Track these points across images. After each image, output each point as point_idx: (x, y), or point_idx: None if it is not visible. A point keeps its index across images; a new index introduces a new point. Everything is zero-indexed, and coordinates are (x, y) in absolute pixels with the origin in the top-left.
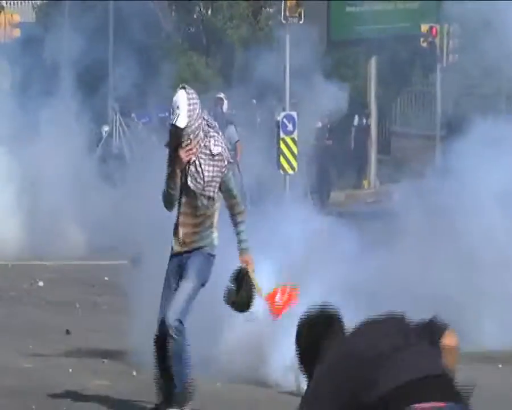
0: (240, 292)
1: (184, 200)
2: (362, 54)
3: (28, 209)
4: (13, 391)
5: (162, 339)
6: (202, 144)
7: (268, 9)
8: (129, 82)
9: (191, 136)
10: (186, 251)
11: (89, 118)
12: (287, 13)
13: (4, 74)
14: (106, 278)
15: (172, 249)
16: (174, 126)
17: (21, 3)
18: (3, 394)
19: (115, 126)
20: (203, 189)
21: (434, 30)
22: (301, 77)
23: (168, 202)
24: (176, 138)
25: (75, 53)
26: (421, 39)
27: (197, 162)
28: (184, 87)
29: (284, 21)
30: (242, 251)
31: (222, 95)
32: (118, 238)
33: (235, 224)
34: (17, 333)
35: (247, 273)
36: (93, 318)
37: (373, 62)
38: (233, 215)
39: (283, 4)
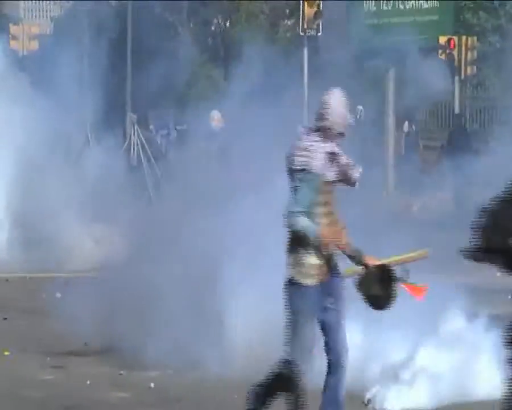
0: (388, 290)
1: (325, 208)
2: (380, 67)
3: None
4: (33, 403)
5: (287, 377)
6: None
7: (286, 21)
8: (148, 94)
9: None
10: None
11: (106, 130)
12: (305, 26)
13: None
14: None
15: (302, 277)
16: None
17: (39, 15)
18: (23, 406)
19: (133, 138)
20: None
21: (452, 42)
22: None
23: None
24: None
25: (93, 65)
26: (439, 51)
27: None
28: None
29: (301, 34)
30: (362, 253)
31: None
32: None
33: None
34: (36, 345)
35: (383, 263)
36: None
37: (391, 76)
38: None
39: (301, 16)
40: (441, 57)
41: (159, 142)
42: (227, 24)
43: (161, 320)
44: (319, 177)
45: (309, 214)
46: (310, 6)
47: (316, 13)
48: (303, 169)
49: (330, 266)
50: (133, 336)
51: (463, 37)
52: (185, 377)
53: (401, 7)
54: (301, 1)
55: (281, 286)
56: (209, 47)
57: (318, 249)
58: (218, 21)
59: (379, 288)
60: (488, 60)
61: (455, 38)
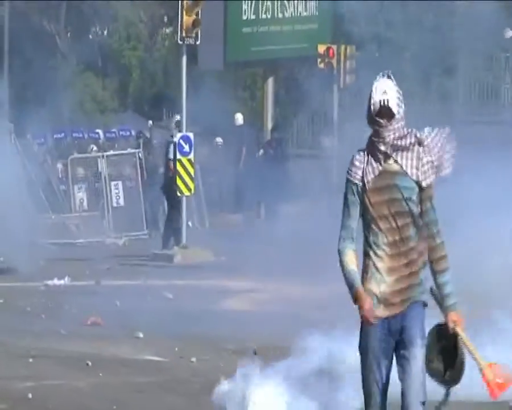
0: (456, 363)
1: (384, 238)
2: (259, 75)
3: None
4: None
5: None
6: (414, 155)
7: (165, 29)
8: (25, 103)
9: (397, 134)
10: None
11: None
12: (183, 34)
13: None
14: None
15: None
16: (382, 107)
17: None
18: None
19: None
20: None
21: (331, 51)
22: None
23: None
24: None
25: None
26: (319, 60)
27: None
28: (389, 76)
29: (180, 42)
30: (450, 308)
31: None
32: None
33: (438, 272)
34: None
35: (458, 336)
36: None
37: (270, 83)
38: (434, 260)
39: (179, 25)
40: (320, 65)
41: (35, 149)
42: (105, 32)
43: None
44: None
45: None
46: (189, 14)
47: (194, 21)
48: None
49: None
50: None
51: (342, 46)
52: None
53: (280, 15)
54: (179, 9)
55: None
56: (86, 56)
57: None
58: (96, 30)
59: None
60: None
61: (335, 47)
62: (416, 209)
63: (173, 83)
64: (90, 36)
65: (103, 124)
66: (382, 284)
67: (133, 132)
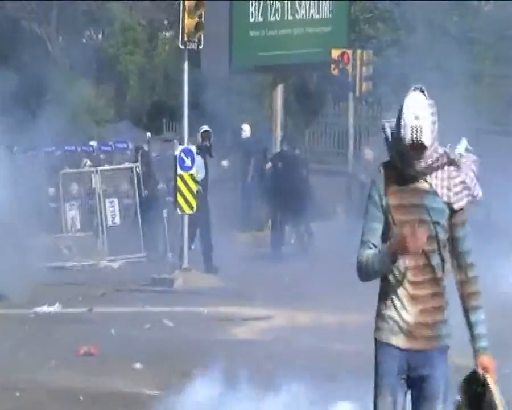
0: None
1: (406, 261)
2: (267, 83)
3: None
4: None
5: None
6: (444, 175)
7: (165, 33)
8: (13, 114)
9: (429, 161)
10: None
11: None
12: (185, 38)
13: None
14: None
15: (383, 333)
16: (414, 143)
17: None
18: None
19: None
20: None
21: (346, 56)
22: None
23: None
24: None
25: None
26: (332, 66)
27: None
28: (421, 90)
29: (182, 47)
30: (480, 351)
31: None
32: None
33: (469, 310)
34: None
35: (488, 383)
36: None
37: (279, 91)
38: (466, 296)
39: (180, 28)
40: (334, 72)
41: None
42: (100, 36)
43: None
44: None
45: None
46: (191, 17)
47: (197, 25)
48: None
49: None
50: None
51: (358, 51)
52: None
53: (291, 17)
54: (180, 11)
55: None
56: (79, 62)
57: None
58: (90, 34)
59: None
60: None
61: (350, 51)
62: (443, 236)
63: (174, 92)
64: (84, 40)
65: (98, 136)
66: (403, 312)
67: (130, 145)
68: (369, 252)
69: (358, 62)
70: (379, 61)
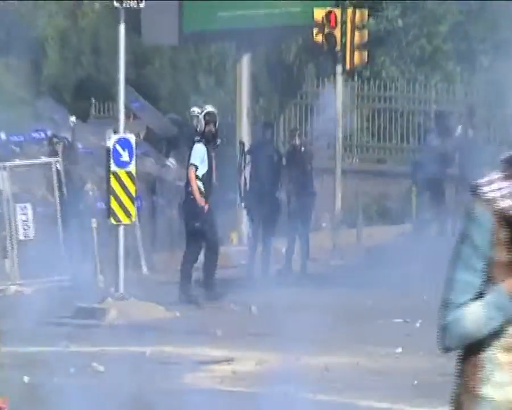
0: None
1: None
2: (229, 53)
3: None
4: None
5: None
6: None
7: None
8: None
9: None
10: None
11: None
12: None
13: None
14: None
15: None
16: None
17: None
18: None
19: None
20: None
21: (333, 17)
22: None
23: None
24: None
25: None
26: (315, 31)
27: None
28: None
29: (117, 5)
30: None
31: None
32: None
33: None
34: None
35: None
36: None
37: (245, 64)
38: None
39: None
40: (317, 38)
41: None
42: None
43: None
44: None
45: None
46: None
47: None
48: None
49: None
50: None
51: (349, 10)
52: None
53: None
54: None
55: None
56: None
57: None
58: None
59: None
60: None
61: (338, 11)
62: None
63: (105, 65)
64: None
65: (6, 123)
66: (507, 389)
67: (49, 133)
68: (468, 308)
69: (349, 26)
70: (377, 23)
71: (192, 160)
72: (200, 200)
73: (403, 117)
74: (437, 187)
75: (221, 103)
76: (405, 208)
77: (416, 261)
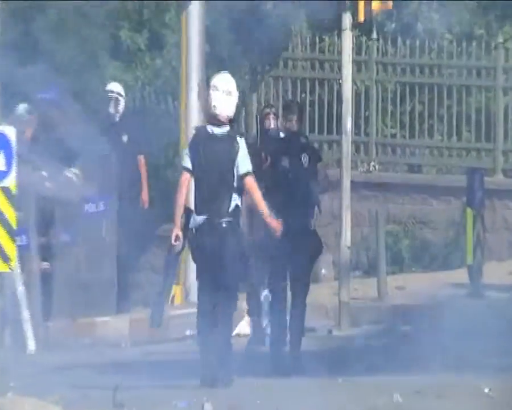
0: None
1: None
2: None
3: None
4: None
5: None
6: None
7: None
8: None
9: None
10: None
11: None
12: None
13: None
14: None
15: None
16: None
17: None
18: None
19: None
20: None
21: None
22: None
23: None
24: None
25: None
26: None
27: None
28: None
29: None
30: None
31: None
32: None
33: None
34: None
35: None
36: None
37: (195, 14)
38: None
39: None
40: None
41: None
42: None
43: None
44: None
45: None
46: None
47: None
48: None
49: None
50: None
51: None
52: None
53: None
54: None
55: None
56: None
57: None
58: None
59: None
60: None
61: None
62: None
63: None
64: None
65: None
66: None
67: None
68: None
69: None
70: None
71: (248, 166)
72: (272, 221)
73: (451, 97)
74: None
75: (156, 77)
76: (457, 245)
77: (481, 332)
